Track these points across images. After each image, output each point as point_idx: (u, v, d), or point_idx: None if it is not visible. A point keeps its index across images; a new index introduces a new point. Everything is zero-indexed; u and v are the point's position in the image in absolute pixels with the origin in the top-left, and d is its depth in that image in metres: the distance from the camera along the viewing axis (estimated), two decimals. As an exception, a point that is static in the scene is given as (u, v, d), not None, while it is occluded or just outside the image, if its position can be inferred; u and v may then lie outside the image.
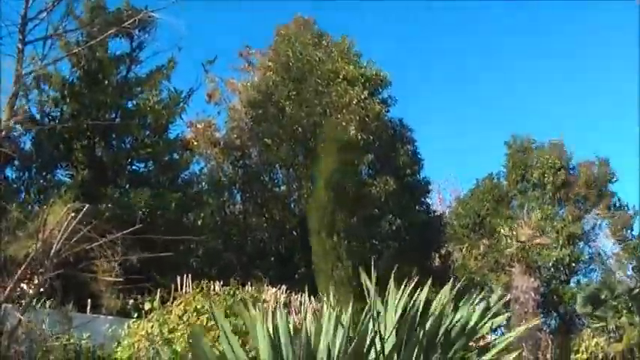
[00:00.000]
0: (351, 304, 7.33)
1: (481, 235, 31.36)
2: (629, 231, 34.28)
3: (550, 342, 19.60)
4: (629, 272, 32.55)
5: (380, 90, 28.91)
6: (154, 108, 24.85)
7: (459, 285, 9.13)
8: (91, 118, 22.60)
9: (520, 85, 61.06)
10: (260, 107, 27.59)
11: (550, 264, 31.35)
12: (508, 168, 34.73)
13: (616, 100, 56.87)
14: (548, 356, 19.19)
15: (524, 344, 17.25)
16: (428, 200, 31.52)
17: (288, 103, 27.38)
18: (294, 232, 27.72)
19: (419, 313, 8.07)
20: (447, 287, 8.56)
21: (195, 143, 28.07)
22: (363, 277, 8.00)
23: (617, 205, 34.90)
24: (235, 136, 28.64)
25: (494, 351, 8.52)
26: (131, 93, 24.97)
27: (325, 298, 9.26)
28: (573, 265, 33.89)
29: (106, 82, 24.15)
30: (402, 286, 8.34)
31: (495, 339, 8.67)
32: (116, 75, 25.02)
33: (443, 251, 30.91)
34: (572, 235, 31.52)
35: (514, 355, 8.59)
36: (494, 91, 62.26)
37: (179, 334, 11.02)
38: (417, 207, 29.40)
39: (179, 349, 10.30)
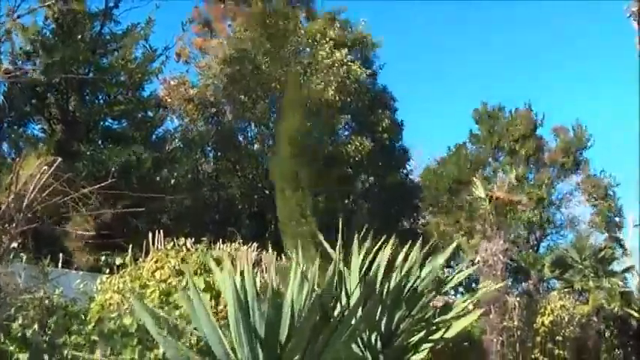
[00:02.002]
0: (317, 260, 7.45)
1: (454, 199, 31.62)
2: (603, 196, 34.75)
3: (517, 304, 19.79)
4: (601, 237, 33.03)
5: (365, 54, 28.98)
6: (129, 65, 24.71)
7: (429, 245, 9.29)
8: (64, 73, 22.45)
9: (492, 52, 61.03)
10: (236, 64, 27.43)
11: (521, 225, 31.72)
12: (480, 136, 35.02)
13: (587, 66, 57.23)
14: (515, 318, 19.41)
15: (491, 307, 17.46)
16: (407, 165, 31.77)
17: (266, 61, 27.30)
18: (267, 191, 27.80)
19: (382, 271, 8.21)
20: (416, 246, 8.71)
21: (169, 100, 27.95)
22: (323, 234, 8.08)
23: (593, 173, 35.34)
24: (210, 93, 28.54)
25: (457, 309, 8.69)
26: (106, 49, 24.80)
27: (292, 255, 9.32)
28: (545, 228, 34.31)
29: (80, 36, 23.95)
30: (366, 244, 8.47)
31: (460, 299, 8.84)
32: (91, 30, 24.82)
33: (416, 214, 31.16)
34: (543, 198, 31.83)
35: (477, 314, 8.77)
36: (468, 58, 62.19)
37: (150, 290, 11.05)
38: (392, 170, 29.57)
39: (150, 305, 10.33)
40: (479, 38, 62.11)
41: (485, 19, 60.00)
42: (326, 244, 8.67)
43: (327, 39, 27.27)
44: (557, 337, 20.90)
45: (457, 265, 9.24)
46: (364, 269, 8.21)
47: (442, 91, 64.60)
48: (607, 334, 24.21)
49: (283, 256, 13.23)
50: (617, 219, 34.79)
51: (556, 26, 57.22)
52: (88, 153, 22.42)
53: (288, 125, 21.63)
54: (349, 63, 27.28)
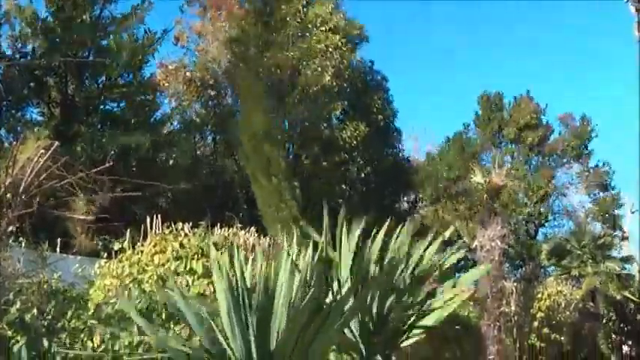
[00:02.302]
0: (310, 248, 7.47)
1: (454, 186, 31.66)
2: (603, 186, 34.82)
3: (515, 290, 19.88)
4: (598, 225, 33.11)
5: (358, 40, 28.98)
6: (128, 48, 24.67)
7: (434, 234, 9.31)
8: (63, 56, 22.43)
9: (494, 42, 60.85)
10: (240, 47, 27.34)
11: (521, 218, 31.78)
12: (480, 123, 34.99)
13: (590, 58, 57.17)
14: (512, 304, 19.49)
15: (488, 292, 17.52)
16: (401, 147, 31.77)
17: (266, 47, 27.28)
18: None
19: (374, 257, 8.23)
20: (406, 230, 8.72)
21: (167, 85, 27.91)
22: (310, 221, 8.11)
23: (595, 163, 35.38)
24: (209, 76, 28.51)
25: (447, 293, 8.73)
26: (105, 32, 24.74)
27: (282, 241, 9.36)
28: (543, 220, 34.38)
29: (80, 20, 23.89)
30: (358, 230, 8.48)
31: (450, 282, 8.87)
32: (90, 13, 24.74)
33: (412, 198, 31.19)
34: (543, 189, 31.88)
35: (465, 296, 8.79)
36: (469, 48, 62.01)
37: (149, 275, 11.08)
38: (387, 151, 29.60)
39: (147, 289, 10.37)
40: (478, 31, 61.66)
41: (485, 10, 59.50)
42: (311, 228, 8.70)
43: (326, 25, 27.23)
44: (554, 322, 20.99)
45: (454, 250, 9.26)
46: (356, 254, 8.23)
47: (441, 82, 64.34)
48: (604, 319, 24.32)
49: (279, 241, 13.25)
50: (615, 210, 34.86)
51: (552, 13, 56.85)
52: (88, 135, 22.38)
53: (248, 119, 21.71)
54: (344, 48, 27.26)
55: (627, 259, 27.78)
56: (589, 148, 35.85)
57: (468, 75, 62.45)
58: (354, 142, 26.93)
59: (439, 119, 69.07)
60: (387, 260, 8.47)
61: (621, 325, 25.88)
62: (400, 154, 31.51)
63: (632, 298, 24.29)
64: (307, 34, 27.39)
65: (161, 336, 7.49)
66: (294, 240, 7.68)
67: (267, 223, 19.42)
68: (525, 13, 58.90)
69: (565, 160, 35.31)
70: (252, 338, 6.88)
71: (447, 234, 9.61)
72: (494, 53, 61.14)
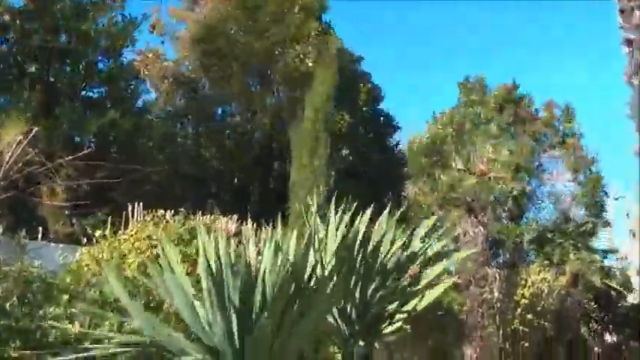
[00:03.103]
0: (294, 234, 7.46)
1: (437, 170, 31.61)
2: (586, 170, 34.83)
3: (498, 276, 19.94)
4: (582, 210, 33.12)
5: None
6: (107, 33, 24.46)
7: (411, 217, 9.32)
8: (41, 41, 22.25)
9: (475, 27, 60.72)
10: (210, 40, 27.17)
11: (503, 199, 31.81)
12: (462, 106, 34.97)
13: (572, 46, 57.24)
14: (495, 290, 19.55)
15: (471, 279, 17.60)
16: (390, 138, 31.73)
17: (241, 34, 27.11)
18: (248, 164, 27.76)
19: (358, 241, 8.22)
20: (389, 216, 8.71)
21: (147, 73, 27.72)
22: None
23: (579, 146, 35.38)
24: (185, 66, 28.37)
25: (429, 278, 8.73)
26: (85, 17, 24.45)
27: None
28: (526, 201, 34.42)
29: (58, 5, 23.63)
30: (346, 216, 8.48)
31: (434, 268, 8.87)
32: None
33: (400, 187, 31.17)
34: (523, 169, 31.86)
35: (449, 282, 8.81)
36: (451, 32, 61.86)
37: (130, 261, 11.05)
38: (375, 142, 29.59)
39: (129, 276, 10.32)
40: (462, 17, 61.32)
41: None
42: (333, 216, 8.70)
43: (297, 8, 27.08)
44: (538, 309, 21.09)
45: (438, 236, 9.25)
46: (340, 239, 8.22)
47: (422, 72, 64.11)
48: (586, 306, 24.46)
49: (263, 229, 13.21)
50: (602, 196, 34.88)
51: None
52: (68, 121, 22.20)
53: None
54: (325, 33, 27.19)
55: (610, 251, 27.98)
56: (573, 133, 35.85)
57: (450, 62, 62.08)
58: (339, 132, 26.90)
59: (420, 109, 68.81)
60: (370, 246, 8.46)
61: (602, 313, 26.08)
62: (390, 146, 31.48)
63: (613, 286, 24.45)
64: (282, 19, 27.24)
65: (150, 319, 7.46)
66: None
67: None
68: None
69: (548, 144, 35.31)
70: (233, 320, 6.85)
71: (430, 222, 9.58)
72: (478, 41, 60.79)
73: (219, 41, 26.86)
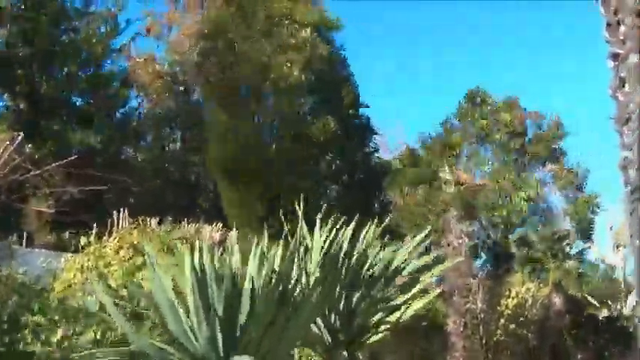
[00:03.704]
0: (280, 244, 7.49)
1: (426, 182, 31.71)
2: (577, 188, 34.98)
3: (481, 287, 20.01)
4: (571, 225, 33.28)
5: (328, 33, 28.94)
6: (93, 40, 24.45)
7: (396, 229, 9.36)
8: (29, 48, 22.23)
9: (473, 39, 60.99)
10: (210, 41, 27.16)
11: (498, 218, 31.97)
12: (464, 122, 35.03)
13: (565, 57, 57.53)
14: (479, 301, 19.61)
15: (455, 290, 17.64)
16: (372, 145, 31.80)
17: (238, 40, 27.17)
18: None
19: (343, 251, 8.25)
20: (375, 227, 8.74)
21: (136, 78, 27.71)
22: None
23: (570, 164, 35.52)
24: (178, 69, 28.36)
25: (415, 290, 8.76)
26: (70, 24, 24.45)
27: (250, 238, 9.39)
28: (515, 220, 34.57)
29: (44, 11, 23.60)
30: (328, 225, 8.50)
31: (417, 278, 8.90)
32: (55, 5, 24.40)
33: (384, 196, 31.22)
34: (530, 190, 32.02)
35: (435, 294, 8.85)
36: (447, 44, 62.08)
37: (114, 268, 11.06)
38: (358, 150, 29.66)
39: (113, 284, 10.34)
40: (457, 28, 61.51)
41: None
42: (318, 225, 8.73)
43: (291, 19, 27.16)
44: (521, 319, 21.17)
45: (424, 247, 9.34)
46: (325, 249, 8.24)
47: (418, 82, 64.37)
48: (567, 315, 24.59)
49: (247, 237, 13.26)
50: (590, 214, 35.00)
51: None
52: (55, 128, 22.19)
53: (215, 123, 21.74)
54: (314, 43, 27.26)
55: (583, 251, 28.22)
56: (561, 148, 35.97)
57: (440, 71, 62.36)
58: (323, 139, 26.96)
59: (408, 116, 69.03)
60: (355, 256, 8.50)
61: (584, 322, 26.23)
62: (373, 154, 31.56)
63: (589, 298, 24.62)
64: (275, 28, 27.29)
65: (135, 329, 7.48)
66: (263, 239, 7.71)
67: (232, 224, 19.50)
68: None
69: (540, 161, 35.43)
70: (217, 329, 6.88)
71: (418, 238, 9.63)
72: (472, 52, 61.06)
73: (219, 45, 26.85)
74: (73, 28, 24.59)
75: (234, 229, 16.10)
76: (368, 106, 30.76)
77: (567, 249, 26.12)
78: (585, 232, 29.84)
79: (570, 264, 24.73)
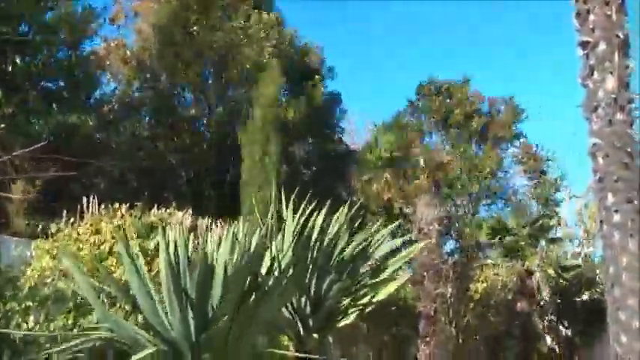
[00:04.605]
0: (244, 224, 7.55)
1: (395, 167, 31.82)
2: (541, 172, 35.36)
3: (452, 272, 20.16)
4: (536, 206, 33.68)
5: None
6: (66, 23, 24.23)
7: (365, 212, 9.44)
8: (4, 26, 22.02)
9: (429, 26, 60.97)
10: (167, 30, 27.07)
11: (461, 197, 32.22)
12: (424, 108, 35.32)
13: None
14: (449, 286, 19.77)
15: (425, 274, 17.76)
16: (342, 132, 31.89)
17: (196, 28, 27.08)
18: (204, 157, 27.72)
19: (315, 235, 8.33)
20: (345, 211, 8.83)
21: (108, 63, 27.55)
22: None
23: (531, 146, 35.86)
24: (146, 57, 28.20)
25: (385, 274, 8.85)
26: (44, 7, 24.20)
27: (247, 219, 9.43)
28: (483, 199, 34.91)
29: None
30: (300, 209, 8.58)
31: (388, 263, 8.99)
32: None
33: (355, 181, 31.32)
34: (484, 169, 32.28)
35: (405, 278, 8.94)
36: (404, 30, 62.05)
37: (85, 253, 11.04)
38: (328, 136, 29.74)
39: (84, 270, 10.34)
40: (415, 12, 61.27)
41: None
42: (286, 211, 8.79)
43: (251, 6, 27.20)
44: (491, 302, 21.39)
45: (397, 232, 9.45)
46: (297, 234, 8.32)
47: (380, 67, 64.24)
48: (541, 299, 24.80)
49: (219, 223, 13.27)
50: (553, 191, 35.39)
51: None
52: (26, 113, 22.01)
53: (265, 94, 21.80)
54: (278, 27, 27.29)
55: (562, 239, 28.46)
56: (520, 131, 36.34)
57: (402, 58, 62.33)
58: (294, 125, 27.02)
59: (371, 104, 69.00)
60: (326, 240, 8.57)
61: (557, 307, 26.47)
62: (342, 140, 31.61)
63: (568, 279, 24.81)
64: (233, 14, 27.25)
65: (109, 312, 7.51)
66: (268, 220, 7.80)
67: (244, 200, 19.55)
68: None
69: (503, 144, 35.77)
70: (189, 313, 6.93)
71: (392, 226, 9.73)
72: (430, 38, 61.13)
73: (176, 32, 26.79)
74: (51, 7, 24.32)
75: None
76: (338, 93, 30.78)
77: (546, 234, 26.32)
78: (551, 212, 30.16)
79: (550, 247, 24.92)
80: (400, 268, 9.64)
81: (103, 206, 12.48)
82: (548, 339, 26.48)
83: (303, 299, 8.62)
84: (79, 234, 11.73)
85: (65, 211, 12.59)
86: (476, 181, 31.46)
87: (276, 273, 7.41)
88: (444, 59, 57.31)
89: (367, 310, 8.85)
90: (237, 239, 7.22)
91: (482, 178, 32.24)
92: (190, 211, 13.58)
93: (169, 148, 28.10)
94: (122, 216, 11.95)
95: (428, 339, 17.34)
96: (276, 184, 20.65)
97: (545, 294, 24.95)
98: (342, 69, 58.88)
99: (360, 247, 8.75)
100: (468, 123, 35.09)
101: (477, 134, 35.45)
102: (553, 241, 26.53)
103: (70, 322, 8.76)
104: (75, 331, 8.54)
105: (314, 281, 8.55)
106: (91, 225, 11.83)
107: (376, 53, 63.75)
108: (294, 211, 8.87)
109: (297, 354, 7.91)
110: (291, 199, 8.95)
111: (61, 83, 25.03)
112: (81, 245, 11.36)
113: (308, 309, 8.65)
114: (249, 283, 7.16)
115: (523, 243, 25.21)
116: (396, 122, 34.15)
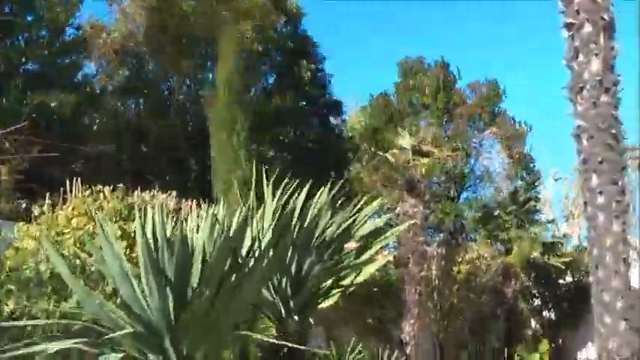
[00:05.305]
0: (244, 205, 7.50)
1: (376, 149, 31.80)
2: (520, 147, 35.34)
3: (436, 254, 20.22)
4: (518, 184, 33.69)
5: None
6: (52, 5, 23.98)
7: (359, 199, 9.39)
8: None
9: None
10: (158, 13, 26.83)
11: (441, 178, 32.24)
12: (399, 88, 35.28)
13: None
14: (434, 268, 19.84)
15: (410, 256, 17.80)
16: (332, 117, 31.71)
17: (190, 11, 26.87)
18: (191, 139, 27.59)
19: (296, 216, 8.28)
20: (325, 191, 8.78)
21: (91, 45, 27.27)
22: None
23: (509, 122, 35.81)
24: (132, 44, 27.96)
25: (366, 255, 8.83)
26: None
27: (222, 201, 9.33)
28: (464, 179, 34.93)
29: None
30: (280, 190, 8.53)
31: (371, 244, 8.96)
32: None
33: (345, 165, 31.31)
34: (457, 149, 32.24)
35: (386, 259, 8.93)
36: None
37: (67, 237, 10.97)
38: (318, 123, 29.66)
39: (66, 253, 10.28)
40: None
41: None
42: (266, 190, 8.73)
43: None
44: (474, 285, 21.46)
45: (379, 216, 9.44)
46: (278, 214, 8.27)
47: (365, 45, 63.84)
48: (525, 283, 24.88)
49: (202, 205, 13.21)
50: (532, 166, 35.37)
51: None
52: (10, 95, 21.82)
53: (224, 71, 21.48)
54: (267, 8, 27.09)
55: (551, 221, 28.54)
56: (501, 108, 36.26)
57: (388, 39, 61.92)
58: (284, 112, 26.97)
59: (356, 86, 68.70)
60: (307, 221, 8.53)
61: (541, 290, 26.59)
62: (330, 125, 31.44)
63: (554, 263, 24.87)
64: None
65: (89, 294, 7.45)
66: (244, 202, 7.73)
67: (217, 182, 19.34)
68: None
69: (479, 124, 35.70)
70: (169, 294, 6.88)
71: (375, 203, 9.69)
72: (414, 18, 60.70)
73: (165, 14, 26.55)
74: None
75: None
76: (330, 76, 30.58)
77: (532, 215, 26.35)
78: (529, 188, 30.22)
79: (534, 230, 24.95)
80: (382, 248, 9.61)
81: (85, 188, 12.39)
82: (533, 321, 26.63)
83: (284, 280, 8.57)
84: (61, 216, 11.64)
85: (48, 193, 12.50)
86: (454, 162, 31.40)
87: (256, 254, 7.37)
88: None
89: (349, 291, 8.82)
90: (217, 220, 7.16)
91: (461, 157, 32.20)
92: (175, 193, 13.53)
93: (155, 130, 27.92)
94: (104, 198, 11.87)
95: (412, 321, 17.39)
96: (250, 164, 20.57)
97: (528, 278, 25.04)
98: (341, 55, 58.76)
99: (342, 227, 8.70)
100: (443, 102, 34.96)
101: (447, 113, 35.33)
102: (537, 222, 26.52)
103: (51, 306, 8.70)
104: (57, 314, 8.50)
105: (295, 262, 8.50)
106: (74, 207, 11.75)
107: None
108: (275, 193, 8.80)
109: (275, 339, 7.87)
110: (271, 179, 8.88)
111: (45, 66, 24.79)
112: (64, 228, 11.27)
113: (289, 290, 8.61)
114: (229, 264, 7.12)
115: (508, 226, 25.24)
116: (378, 103, 34.10)
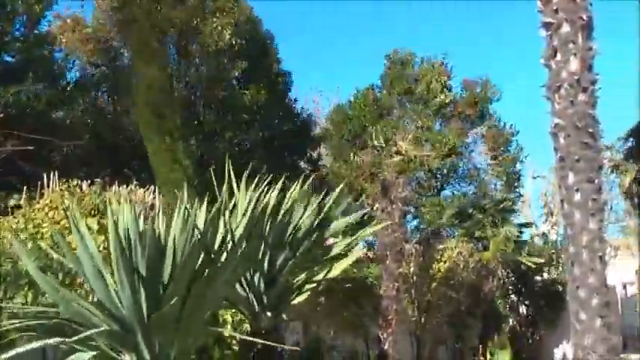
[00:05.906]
0: (204, 204, 7.46)
1: (359, 145, 31.75)
2: (505, 148, 35.43)
3: (415, 251, 20.23)
4: (500, 185, 33.83)
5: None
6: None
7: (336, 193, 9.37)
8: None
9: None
10: (125, 8, 26.58)
11: (422, 175, 32.26)
12: (388, 80, 35.03)
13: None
14: (412, 265, 19.85)
15: (388, 253, 17.76)
16: (297, 108, 31.62)
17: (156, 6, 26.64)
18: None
19: (268, 211, 8.26)
20: (298, 186, 8.77)
21: (64, 41, 27.05)
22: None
23: (497, 124, 35.86)
24: (104, 37, 27.75)
25: (338, 249, 8.82)
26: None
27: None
28: (448, 176, 34.94)
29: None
30: (252, 186, 8.50)
31: (343, 239, 8.96)
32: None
33: (313, 157, 31.25)
34: (451, 147, 32.25)
35: (358, 254, 8.91)
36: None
37: (44, 230, 10.92)
38: (286, 118, 29.60)
39: (44, 246, 10.22)
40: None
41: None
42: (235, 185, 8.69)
43: None
44: (452, 282, 21.49)
45: (355, 211, 9.44)
46: (251, 208, 8.22)
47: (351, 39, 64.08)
48: (502, 280, 24.99)
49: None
50: (517, 167, 35.49)
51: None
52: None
53: (144, 75, 21.38)
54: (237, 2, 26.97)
55: (526, 225, 28.62)
56: (491, 109, 36.25)
57: (377, 35, 62.10)
58: (254, 107, 26.87)
59: (347, 82, 68.86)
60: (280, 216, 8.51)
61: (519, 287, 26.74)
62: (298, 117, 31.31)
63: (528, 262, 24.99)
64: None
65: (62, 293, 7.37)
66: (186, 200, 7.65)
67: (160, 183, 19.18)
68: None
69: (469, 124, 35.69)
70: (141, 291, 6.84)
71: (338, 190, 9.67)
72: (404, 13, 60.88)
73: (134, 8, 26.27)
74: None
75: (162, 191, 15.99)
76: (288, 73, 30.52)
77: (508, 214, 26.42)
78: (514, 193, 30.31)
79: (509, 229, 25.02)
80: (355, 244, 9.59)
81: (62, 182, 12.33)
82: (510, 319, 26.77)
83: (256, 276, 8.54)
84: (38, 210, 11.59)
85: (25, 187, 12.43)
86: (439, 158, 31.38)
87: (229, 247, 7.34)
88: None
89: (321, 287, 8.81)
90: (189, 214, 7.13)
91: (444, 154, 32.19)
92: (152, 187, 13.48)
93: (131, 124, 27.72)
94: (82, 192, 11.81)
95: (390, 317, 17.37)
96: (191, 161, 20.54)
97: (505, 274, 25.15)
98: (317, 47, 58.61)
99: (316, 222, 8.69)
100: (433, 98, 34.86)
101: (442, 111, 35.28)
102: (509, 222, 26.59)
103: (29, 300, 8.66)
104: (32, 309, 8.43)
105: (267, 257, 8.48)
106: (51, 201, 11.69)
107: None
108: (246, 188, 8.77)
109: (248, 335, 7.85)
110: (244, 175, 8.85)
111: (18, 60, 24.58)
112: (40, 222, 11.21)
113: (262, 286, 8.58)
114: (201, 260, 7.09)
115: (485, 225, 25.31)
116: (363, 98, 33.96)
